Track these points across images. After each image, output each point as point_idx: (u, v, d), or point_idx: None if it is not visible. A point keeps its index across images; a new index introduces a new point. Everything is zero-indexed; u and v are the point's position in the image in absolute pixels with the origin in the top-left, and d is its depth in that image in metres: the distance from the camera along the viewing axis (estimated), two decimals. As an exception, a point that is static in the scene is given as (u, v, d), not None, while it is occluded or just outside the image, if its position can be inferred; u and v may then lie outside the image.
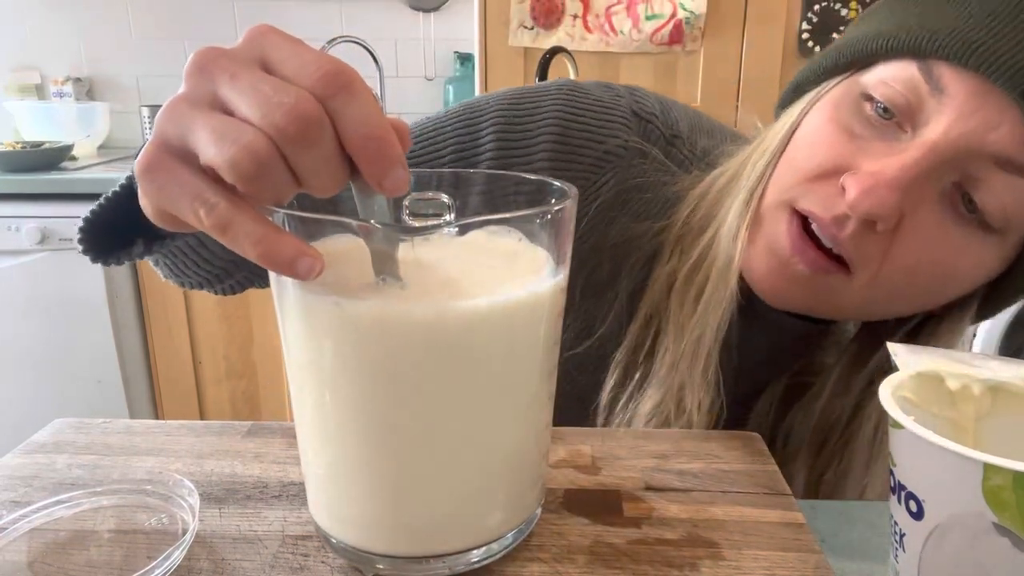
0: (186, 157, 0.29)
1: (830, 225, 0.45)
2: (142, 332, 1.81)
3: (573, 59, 1.78)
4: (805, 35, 1.83)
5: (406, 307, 0.31)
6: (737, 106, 1.85)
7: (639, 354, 0.56)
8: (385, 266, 0.32)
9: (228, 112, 0.29)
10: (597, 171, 0.56)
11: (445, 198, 0.33)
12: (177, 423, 0.52)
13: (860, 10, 1.73)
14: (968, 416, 0.35)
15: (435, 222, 0.32)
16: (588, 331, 0.58)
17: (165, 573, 0.35)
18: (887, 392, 0.33)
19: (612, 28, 1.82)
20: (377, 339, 0.31)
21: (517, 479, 0.37)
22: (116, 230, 0.49)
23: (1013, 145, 0.41)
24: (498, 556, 0.37)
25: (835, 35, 1.74)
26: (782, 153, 0.50)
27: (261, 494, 0.43)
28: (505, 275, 0.34)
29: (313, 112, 0.27)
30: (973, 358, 0.35)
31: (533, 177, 0.38)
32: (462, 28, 2.23)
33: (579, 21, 1.82)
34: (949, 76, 0.42)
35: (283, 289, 0.33)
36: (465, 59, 2.22)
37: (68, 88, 2.20)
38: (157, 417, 1.89)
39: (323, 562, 0.37)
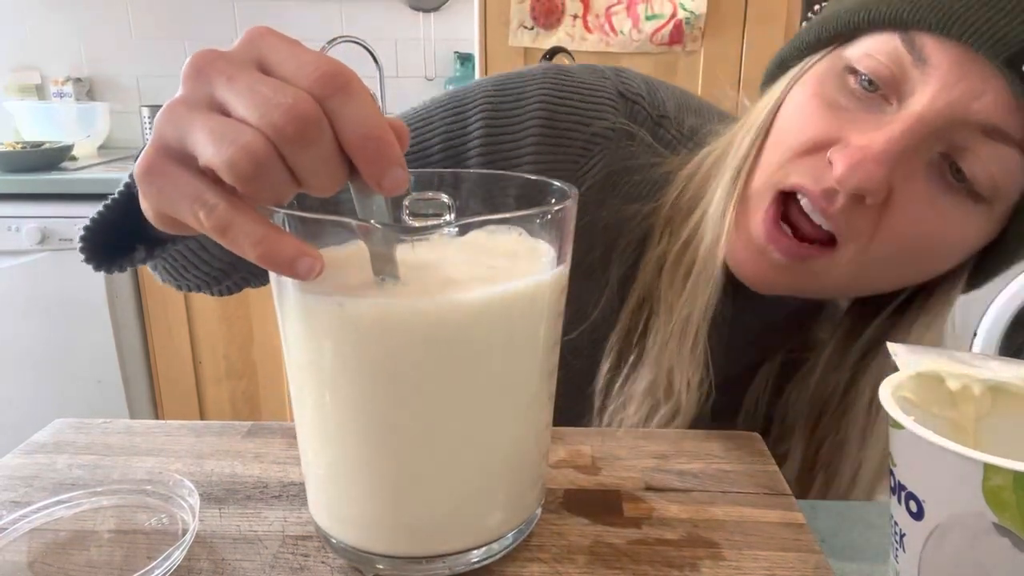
0: (185, 159, 0.29)
1: (820, 198, 0.45)
2: (142, 332, 1.81)
3: (573, 59, 1.78)
4: (805, 35, 1.82)
5: (406, 307, 0.31)
6: (737, 105, 1.85)
7: (633, 336, 0.57)
8: (385, 266, 0.32)
9: (226, 114, 0.29)
10: (586, 153, 0.56)
11: (445, 198, 0.33)
12: (177, 423, 0.52)
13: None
14: (968, 416, 0.35)
15: (435, 222, 0.32)
16: (582, 316, 0.58)
17: (165, 573, 0.35)
18: (887, 392, 0.33)
19: (612, 28, 1.82)
20: (377, 339, 0.31)
21: (517, 479, 0.37)
22: (117, 237, 0.49)
23: (998, 113, 0.41)
24: (498, 556, 0.37)
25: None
26: (768, 130, 0.50)
27: (261, 494, 0.43)
28: (505, 275, 0.34)
29: (311, 112, 0.27)
30: (973, 358, 0.35)
31: (533, 177, 0.38)
32: (462, 28, 2.23)
33: (579, 21, 1.82)
34: (932, 46, 0.42)
35: (283, 289, 0.33)
36: (465, 59, 2.22)
37: (68, 88, 2.20)
38: (157, 417, 1.89)
39: (323, 562, 0.37)
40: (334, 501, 0.36)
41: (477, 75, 1.90)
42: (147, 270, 0.57)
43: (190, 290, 0.60)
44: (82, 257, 0.48)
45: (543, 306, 0.34)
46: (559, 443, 0.49)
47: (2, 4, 2.17)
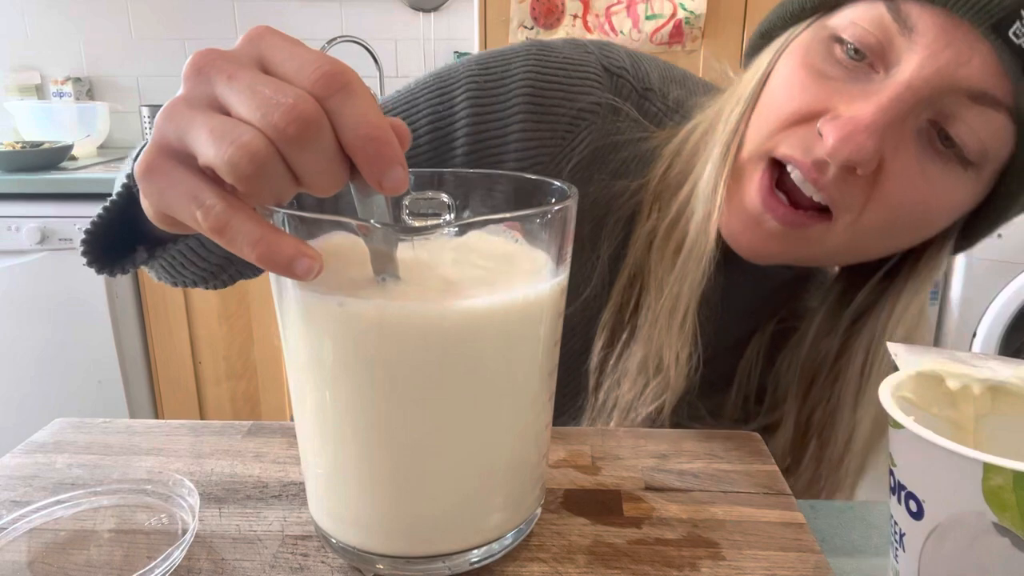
0: (185, 159, 0.29)
1: (811, 169, 0.45)
2: (142, 332, 1.81)
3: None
4: (805, 35, 1.82)
5: (406, 307, 0.31)
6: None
7: (625, 313, 0.57)
8: (385, 266, 0.32)
9: (227, 113, 0.29)
10: (573, 129, 0.56)
11: (445, 198, 0.33)
12: (177, 423, 0.52)
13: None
14: (968, 416, 0.35)
15: (435, 222, 0.32)
16: (573, 294, 0.59)
17: (165, 573, 0.35)
18: (887, 392, 0.33)
19: (612, 28, 1.82)
20: (377, 339, 0.31)
21: (517, 479, 0.37)
22: (118, 239, 0.49)
23: (985, 78, 0.42)
24: (498, 556, 0.37)
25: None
26: (756, 103, 0.50)
27: (261, 494, 0.43)
28: (505, 275, 0.34)
29: (311, 112, 0.27)
30: (973, 358, 0.35)
31: (533, 177, 0.38)
32: (462, 28, 2.23)
33: (579, 21, 1.82)
34: (917, 13, 0.42)
35: (283, 289, 0.33)
36: (465, 59, 2.22)
37: (68, 88, 2.20)
38: (157, 417, 1.89)
39: (323, 562, 0.37)
40: (334, 501, 0.36)
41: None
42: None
43: (186, 286, 0.60)
44: (84, 261, 0.48)
45: (543, 306, 0.34)
46: (559, 443, 0.49)
47: (2, 4, 2.17)
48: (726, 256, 0.52)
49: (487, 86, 0.55)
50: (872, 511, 0.46)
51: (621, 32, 1.81)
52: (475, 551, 0.36)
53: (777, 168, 0.48)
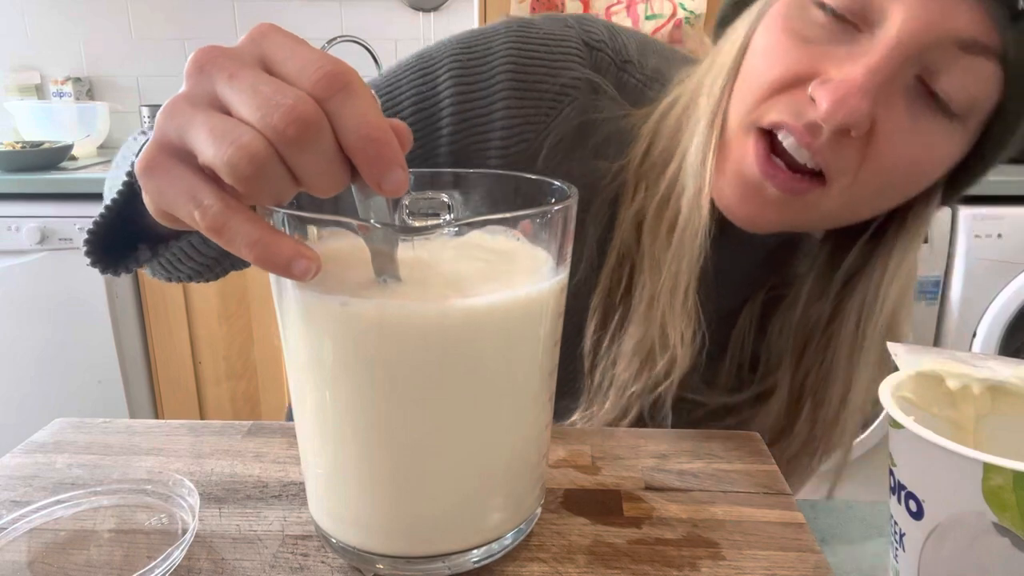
0: (185, 157, 0.29)
1: (804, 133, 0.45)
2: (142, 332, 1.81)
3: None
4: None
5: (406, 307, 0.31)
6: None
7: (615, 295, 0.57)
8: (385, 266, 0.32)
9: (228, 112, 0.29)
10: (557, 105, 0.56)
11: (445, 198, 0.33)
12: (177, 423, 0.52)
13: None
14: (968, 416, 0.35)
15: (435, 222, 0.32)
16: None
17: (165, 573, 0.35)
18: (887, 392, 0.33)
19: (612, 28, 1.82)
20: (377, 339, 0.31)
21: (517, 479, 0.37)
22: (119, 238, 0.49)
23: (973, 26, 0.42)
24: (498, 556, 0.37)
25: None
26: (737, 73, 0.49)
27: (261, 494, 0.43)
28: (506, 275, 0.34)
29: (311, 114, 0.27)
30: (973, 358, 0.35)
31: (533, 177, 0.38)
32: (462, 28, 2.22)
33: (579, 21, 1.82)
34: None
35: (283, 289, 0.33)
36: (465, 59, 2.22)
37: (68, 88, 2.20)
38: (157, 417, 1.89)
39: (323, 562, 0.37)
40: (334, 501, 0.36)
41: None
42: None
43: (180, 281, 0.60)
44: (88, 261, 0.48)
45: (544, 306, 0.34)
46: (559, 443, 0.49)
47: (2, 4, 2.17)
48: (718, 228, 0.52)
49: (470, 65, 0.55)
50: (872, 511, 0.46)
51: (621, 32, 1.81)
52: (475, 551, 0.36)
53: (767, 136, 0.47)
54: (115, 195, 0.46)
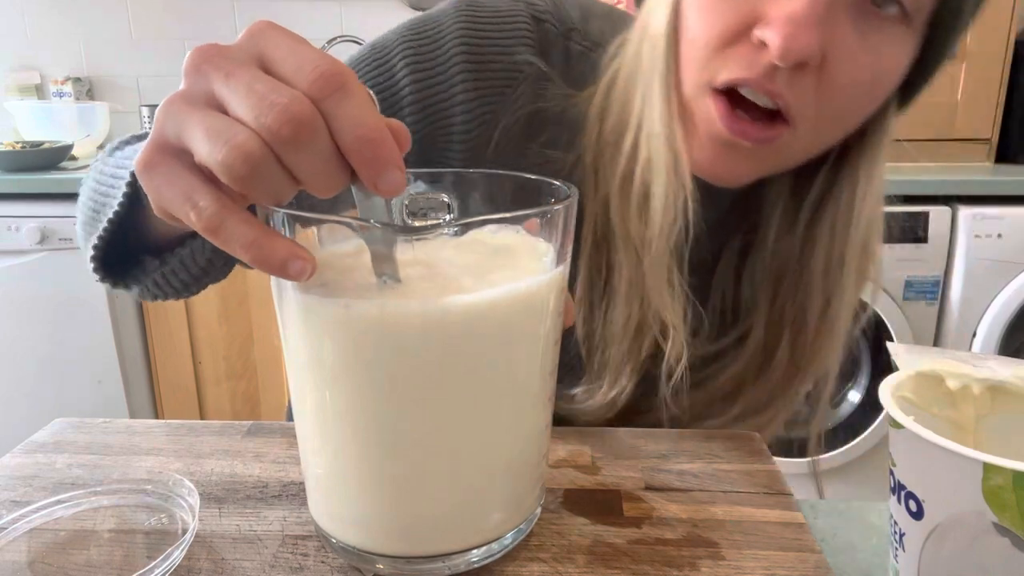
0: (182, 155, 0.30)
1: (763, 81, 0.45)
2: (142, 332, 1.81)
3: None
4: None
5: (406, 307, 0.31)
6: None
7: (598, 280, 0.57)
8: (385, 266, 0.32)
9: (224, 111, 0.29)
10: (512, 83, 0.55)
11: (445, 198, 0.33)
12: (177, 423, 0.52)
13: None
14: (968, 416, 0.35)
15: (435, 222, 0.32)
16: None
17: (165, 573, 0.35)
18: (887, 392, 0.33)
19: (612, 28, 1.81)
20: (377, 339, 0.31)
21: (517, 479, 0.37)
22: (123, 251, 0.48)
23: None
24: (498, 556, 0.37)
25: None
26: (676, 35, 0.49)
27: (261, 494, 0.43)
28: (505, 276, 0.34)
29: (306, 113, 0.27)
30: (973, 358, 0.35)
31: (533, 177, 0.38)
32: (462, 28, 2.23)
33: (579, 21, 1.82)
34: None
35: (283, 290, 0.33)
36: (465, 59, 2.22)
37: (68, 88, 2.20)
38: (157, 417, 1.89)
39: (323, 562, 0.37)
40: (334, 501, 0.36)
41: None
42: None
43: (166, 298, 0.58)
44: (97, 277, 0.48)
45: (544, 306, 0.34)
46: (559, 443, 0.49)
47: (2, 4, 2.17)
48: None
49: (423, 50, 0.55)
50: (872, 511, 0.46)
51: (621, 32, 1.81)
52: (475, 551, 0.36)
53: (726, 93, 0.48)
54: (117, 207, 0.46)
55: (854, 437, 1.65)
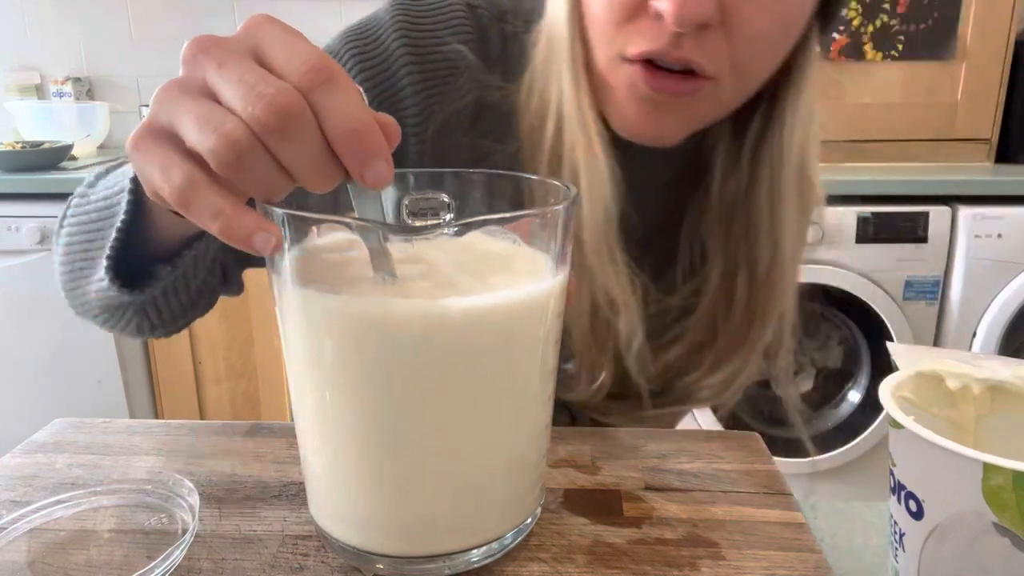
0: (171, 139, 0.30)
1: (670, 50, 0.46)
2: (142, 332, 1.81)
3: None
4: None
5: (405, 307, 0.31)
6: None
7: None
8: (384, 265, 0.32)
9: (217, 100, 0.29)
10: (454, 71, 0.56)
11: (444, 198, 0.33)
12: (177, 423, 0.52)
13: (860, 9, 1.73)
14: (968, 416, 0.35)
15: (434, 222, 0.32)
16: None
17: (165, 573, 0.35)
18: (887, 392, 0.33)
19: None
20: (376, 339, 0.31)
21: (517, 479, 0.37)
22: (133, 262, 0.48)
23: None
24: (498, 556, 0.37)
25: (835, 35, 1.74)
26: (579, 15, 0.50)
27: (261, 494, 0.43)
28: (505, 275, 0.34)
29: (292, 104, 0.28)
30: (973, 358, 0.35)
31: (534, 177, 0.38)
32: (462, 28, 2.23)
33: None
34: None
35: (283, 288, 0.33)
36: (465, 59, 2.22)
37: (68, 88, 2.20)
38: (157, 417, 1.89)
39: (323, 562, 0.37)
40: (334, 501, 0.36)
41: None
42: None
43: (164, 329, 0.57)
44: (114, 289, 0.47)
45: (543, 306, 0.34)
46: (559, 443, 0.49)
47: (2, 4, 2.17)
48: (622, 164, 0.53)
49: (367, 49, 0.56)
50: (872, 511, 0.46)
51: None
52: (475, 551, 0.36)
53: (640, 62, 0.48)
54: (123, 216, 0.46)
55: (854, 437, 1.65)
